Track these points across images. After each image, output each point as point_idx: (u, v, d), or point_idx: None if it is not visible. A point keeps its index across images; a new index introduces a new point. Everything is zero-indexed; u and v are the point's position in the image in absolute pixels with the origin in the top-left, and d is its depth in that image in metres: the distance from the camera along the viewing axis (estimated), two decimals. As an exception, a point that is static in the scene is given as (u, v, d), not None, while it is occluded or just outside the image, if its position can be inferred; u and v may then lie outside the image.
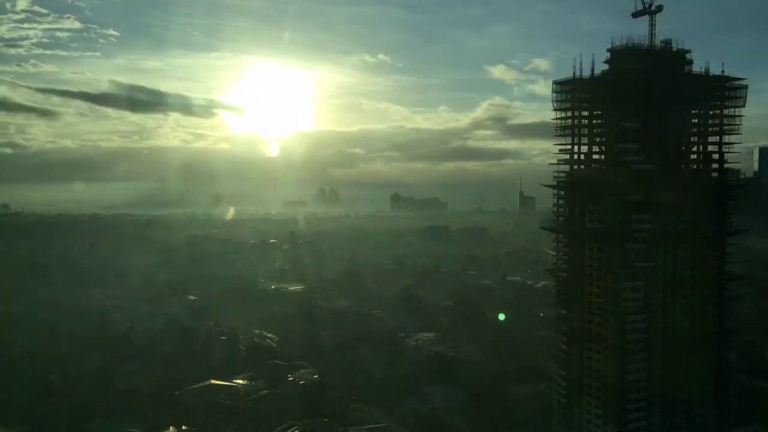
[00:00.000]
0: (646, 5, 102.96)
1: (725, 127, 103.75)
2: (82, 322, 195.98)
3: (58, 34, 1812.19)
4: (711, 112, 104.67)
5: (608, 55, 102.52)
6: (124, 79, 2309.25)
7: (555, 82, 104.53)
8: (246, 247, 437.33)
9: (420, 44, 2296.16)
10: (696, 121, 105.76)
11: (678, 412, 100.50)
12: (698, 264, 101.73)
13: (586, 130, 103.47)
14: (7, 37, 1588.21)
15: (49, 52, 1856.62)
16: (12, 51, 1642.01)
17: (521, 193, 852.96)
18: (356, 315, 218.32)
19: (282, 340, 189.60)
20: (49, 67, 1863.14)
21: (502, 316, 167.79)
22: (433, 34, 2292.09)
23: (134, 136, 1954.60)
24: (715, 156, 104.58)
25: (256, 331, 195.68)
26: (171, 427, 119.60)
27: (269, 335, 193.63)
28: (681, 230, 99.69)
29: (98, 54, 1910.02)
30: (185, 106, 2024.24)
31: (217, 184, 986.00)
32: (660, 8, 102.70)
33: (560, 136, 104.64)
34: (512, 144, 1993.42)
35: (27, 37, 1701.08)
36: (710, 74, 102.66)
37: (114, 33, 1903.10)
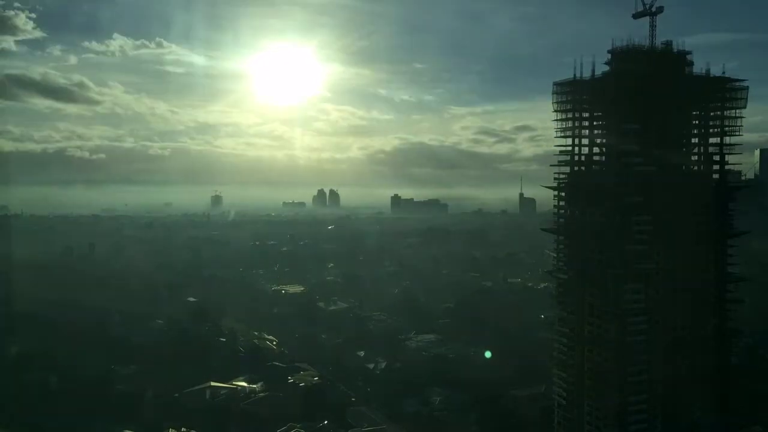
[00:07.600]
0: (647, 6, 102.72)
1: (726, 129, 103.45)
2: (82, 324, 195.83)
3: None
4: (712, 114, 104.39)
5: (609, 56, 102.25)
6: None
7: (555, 83, 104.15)
8: (246, 248, 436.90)
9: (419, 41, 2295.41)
10: (697, 122, 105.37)
11: (679, 414, 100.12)
12: (699, 266, 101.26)
13: (586, 132, 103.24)
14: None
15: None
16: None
17: (521, 194, 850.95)
18: (356, 317, 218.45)
19: (282, 341, 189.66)
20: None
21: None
22: (423, 24, 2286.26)
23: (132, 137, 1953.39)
24: (716, 157, 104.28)
25: (256, 333, 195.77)
26: (171, 429, 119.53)
27: (269, 337, 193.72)
28: (682, 232, 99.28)
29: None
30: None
31: (216, 185, 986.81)
32: (661, 9, 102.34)
33: (561, 137, 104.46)
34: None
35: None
36: (711, 75, 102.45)
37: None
